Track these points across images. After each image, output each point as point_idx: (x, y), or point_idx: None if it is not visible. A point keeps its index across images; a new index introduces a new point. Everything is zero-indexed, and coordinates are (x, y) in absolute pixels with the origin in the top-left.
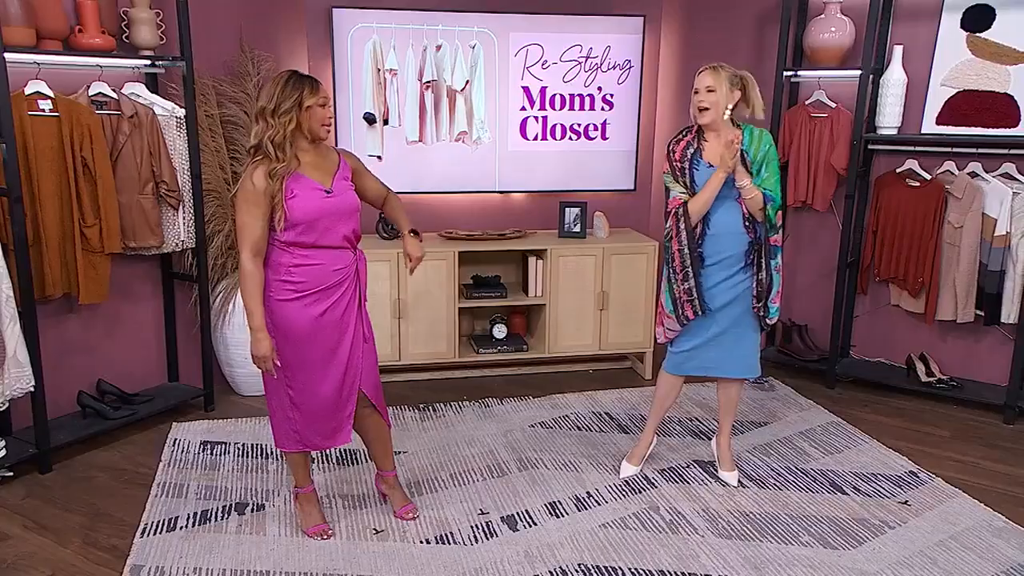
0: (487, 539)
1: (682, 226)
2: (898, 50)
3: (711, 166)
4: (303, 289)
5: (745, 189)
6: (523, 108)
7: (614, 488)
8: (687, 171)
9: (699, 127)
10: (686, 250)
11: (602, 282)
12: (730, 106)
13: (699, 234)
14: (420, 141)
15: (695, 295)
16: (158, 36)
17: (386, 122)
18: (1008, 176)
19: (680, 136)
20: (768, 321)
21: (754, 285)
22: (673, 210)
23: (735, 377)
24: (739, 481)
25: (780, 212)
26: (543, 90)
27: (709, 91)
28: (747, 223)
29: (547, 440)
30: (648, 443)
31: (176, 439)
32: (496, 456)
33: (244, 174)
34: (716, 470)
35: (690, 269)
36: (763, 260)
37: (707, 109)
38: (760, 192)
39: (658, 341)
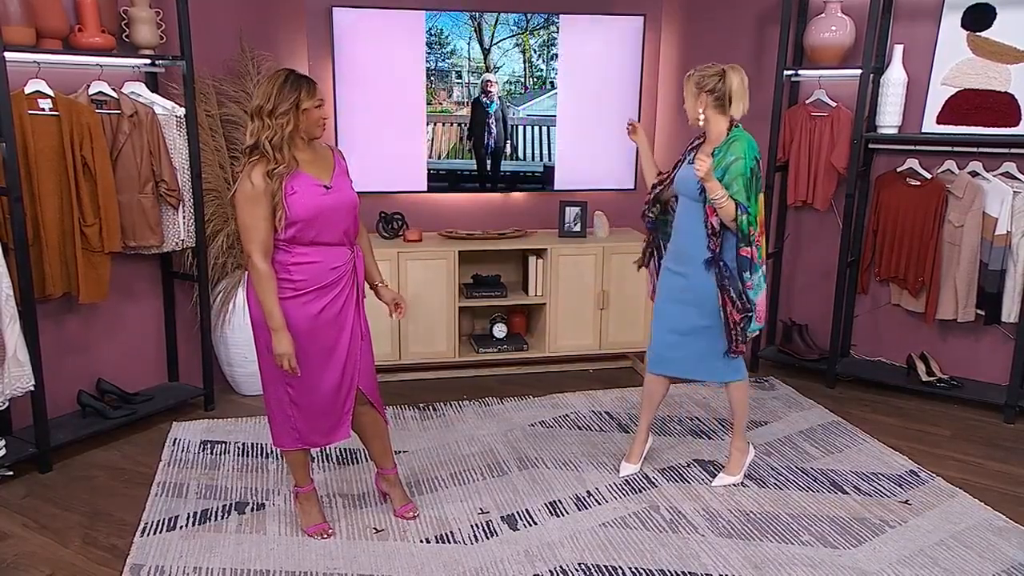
0: (487, 538)
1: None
2: (898, 49)
3: (691, 163)
4: (302, 287)
5: (715, 201)
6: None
7: (614, 487)
8: (679, 163)
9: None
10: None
11: (602, 281)
12: (701, 110)
13: (648, 199)
14: None
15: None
16: (158, 35)
17: None
18: (1008, 175)
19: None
20: (746, 336)
21: (720, 304)
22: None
23: (696, 380)
24: (726, 485)
25: (756, 229)
26: None
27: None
28: (709, 233)
29: (547, 439)
30: (643, 441)
31: (176, 438)
32: (496, 455)
33: (242, 174)
34: (716, 470)
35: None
36: (726, 278)
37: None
38: (731, 203)
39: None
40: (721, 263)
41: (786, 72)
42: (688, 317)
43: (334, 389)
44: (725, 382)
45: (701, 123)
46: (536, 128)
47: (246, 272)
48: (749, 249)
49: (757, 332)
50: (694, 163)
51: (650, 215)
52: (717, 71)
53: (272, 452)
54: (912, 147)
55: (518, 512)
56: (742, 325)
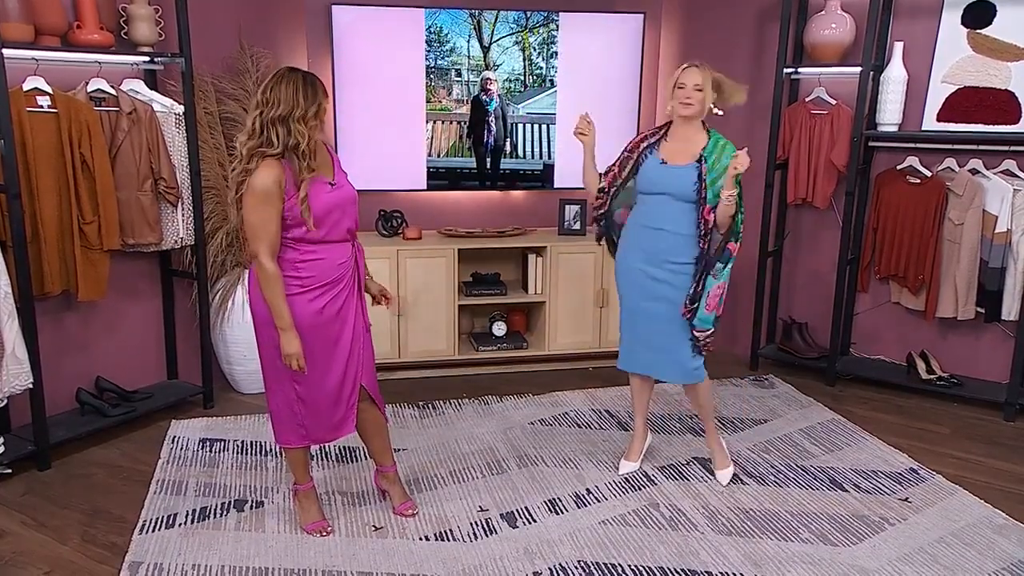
0: (486, 536)
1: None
2: (898, 47)
3: (664, 163)
4: (309, 284)
5: (729, 199)
6: None
7: (614, 485)
8: (634, 160)
9: (666, 128)
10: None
11: (602, 279)
12: (712, 103)
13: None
14: None
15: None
16: (157, 32)
17: None
18: (1009, 173)
19: (648, 132)
20: (696, 332)
21: (690, 289)
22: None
23: (665, 381)
24: (733, 478)
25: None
26: None
27: (697, 89)
28: (702, 233)
29: (547, 437)
30: (642, 439)
31: (175, 436)
32: (496, 453)
33: (255, 172)
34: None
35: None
36: (705, 269)
37: (692, 104)
38: (735, 204)
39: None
40: (706, 260)
41: (786, 70)
42: (666, 317)
43: (339, 384)
44: (695, 383)
45: (716, 112)
46: (536, 126)
47: (246, 270)
48: (735, 245)
49: (711, 328)
50: (736, 160)
51: (603, 220)
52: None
53: (271, 450)
54: (912, 145)
55: (518, 510)
56: (690, 319)
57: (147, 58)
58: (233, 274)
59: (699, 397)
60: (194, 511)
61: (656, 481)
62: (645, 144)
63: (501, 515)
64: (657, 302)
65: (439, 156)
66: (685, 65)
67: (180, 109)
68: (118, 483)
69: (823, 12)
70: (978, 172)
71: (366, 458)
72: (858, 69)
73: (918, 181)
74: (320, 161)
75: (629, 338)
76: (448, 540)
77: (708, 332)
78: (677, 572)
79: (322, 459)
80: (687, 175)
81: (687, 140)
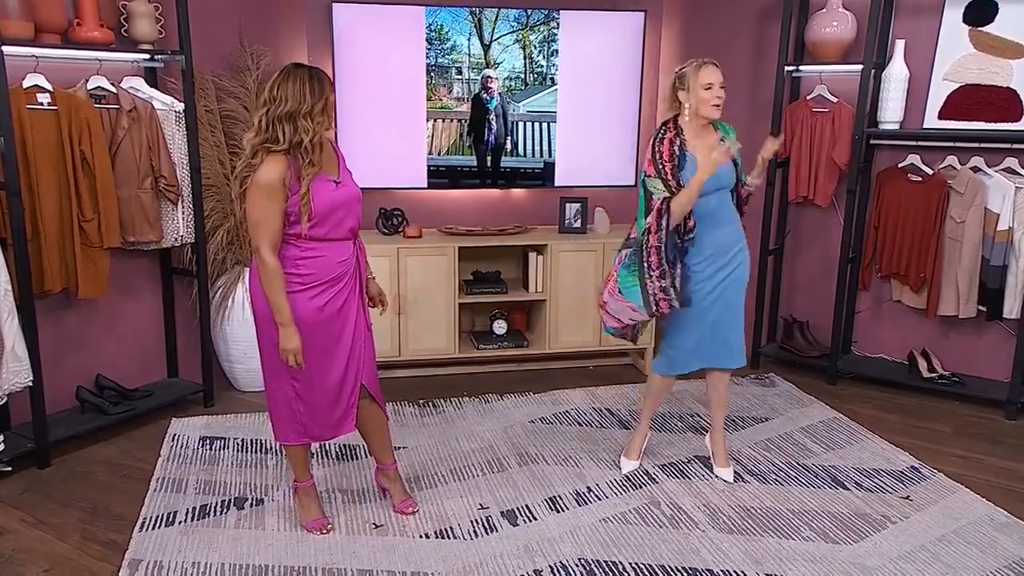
0: (487, 534)
1: (663, 223)
2: (900, 44)
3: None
4: (310, 281)
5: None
6: None
7: (614, 483)
8: (678, 168)
9: (676, 125)
10: (663, 248)
11: (603, 278)
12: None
13: (692, 227)
14: None
15: (672, 293)
16: (157, 30)
17: None
18: (1010, 171)
19: (662, 135)
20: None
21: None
22: (656, 206)
23: (729, 368)
24: (735, 476)
25: None
26: None
27: (723, 87)
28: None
29: (547, 436)
30: (644, 436)
31: (175, 434)
32: (496, 451)
33: (260, 167)
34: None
35: (666, 267)
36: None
37: (722, 105)
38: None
39: (607, 326)
40: None
41: (787, 68)
42: (737, 303)
43: (339, 382)
44: (736, 367)
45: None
46: (536, 124)
47: (247, 268)
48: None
49: None
50: (721, 155)
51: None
52: None
53: (271, 448)
54: (914, 143)
55: (518, 508)
56: None
57: (147, 55)
58: (233, 272)
59: (725, 385)
60: (194, 509)
61: (657, 479)
62: (677, 148)
63: (501, 513)
64: (731, 289)
65: (440, 154)
66: (701, 62)
67: (180, 107)
68: (118, 481)
69: (824, 10)
70: (980, 170)
71: (366, 456)
72: (859, 67)
73: (919, 179)
74: (325, 159)
75: (696, 338)
76: (448, 538)
77: None
78: (678, 570)
79: (322, 457)
80: (727, 165)
81: (707, 136)
